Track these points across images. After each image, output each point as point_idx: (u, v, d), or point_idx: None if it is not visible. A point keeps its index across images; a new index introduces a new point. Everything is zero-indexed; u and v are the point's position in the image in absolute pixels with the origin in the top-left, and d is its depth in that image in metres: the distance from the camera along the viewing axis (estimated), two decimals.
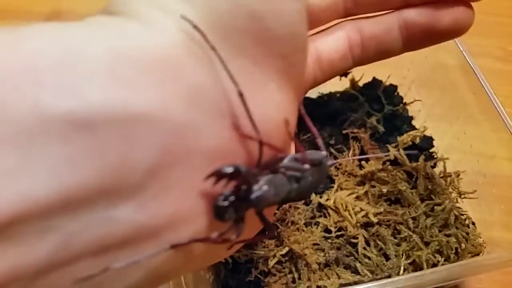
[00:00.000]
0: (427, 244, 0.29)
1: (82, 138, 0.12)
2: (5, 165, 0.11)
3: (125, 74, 0.13)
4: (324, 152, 0.18)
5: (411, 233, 0.29)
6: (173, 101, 0.14)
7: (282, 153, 0.16)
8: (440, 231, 0.29)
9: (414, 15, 0.22)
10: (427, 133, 0.35)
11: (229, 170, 0.14)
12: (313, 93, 0.38)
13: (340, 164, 0.33)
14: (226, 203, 0.14)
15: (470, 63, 0.31)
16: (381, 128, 0.35)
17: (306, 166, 0.16)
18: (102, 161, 0.12)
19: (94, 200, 0.12)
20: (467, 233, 0.30)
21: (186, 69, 0.14)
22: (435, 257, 0.28)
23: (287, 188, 0.16)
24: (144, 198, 0.13)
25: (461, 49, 0.32)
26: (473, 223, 0.31)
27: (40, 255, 0.12)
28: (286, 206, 0.30)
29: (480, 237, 0.30)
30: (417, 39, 0.22)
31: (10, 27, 0.13)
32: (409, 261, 0.28)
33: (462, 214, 0.31)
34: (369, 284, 0.22)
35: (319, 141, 0.18)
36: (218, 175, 0.14)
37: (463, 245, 0.29)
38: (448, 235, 0.29)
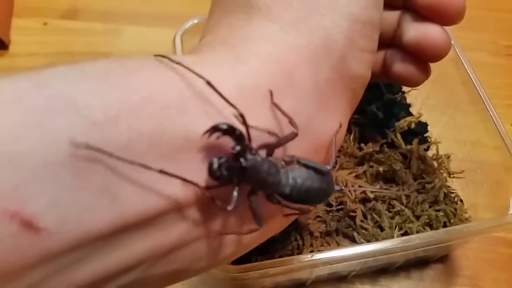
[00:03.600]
0: (418, 217, 0.32)
1: None
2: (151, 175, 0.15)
3: (244, 104, 0.17)
4: (328, 166, 0.19)
5: (403, 208, 0.32)
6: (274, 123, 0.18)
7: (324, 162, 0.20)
8: (430, 207, 0.33)
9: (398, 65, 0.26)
10: (422, 119, 0.38)
11: (223, 126, 0.16)
12: None
13: (342, 146, 0.36)
14: (220, 161, 0.16)
15: (460, 56, 0.34)
16: (380, 115, 0.38)
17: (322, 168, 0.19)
18: None
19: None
20: (455, 209, 0.33)
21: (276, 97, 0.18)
22: (424, 229, 0.31)
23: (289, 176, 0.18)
24: None
25: (452, 42, 0.35)
26: (461, 200, 0.34)
27: (173, 238, 0.16)
28: None
29: (467, 213, 0.33)
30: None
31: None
32: (401, 232, 0.32)
33: (452, 192, 0.34)
34: (365, 246, 0.26)
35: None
36: (214, 128, 0.16)
37: (451, 220, 0.32)
38: (438, 210, 0.32)
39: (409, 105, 0.40)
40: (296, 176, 0.18)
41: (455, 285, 0.34)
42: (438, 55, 0.24)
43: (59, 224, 0.14)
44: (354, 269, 0.33)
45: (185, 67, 0.17)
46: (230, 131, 0.16)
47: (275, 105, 0.18)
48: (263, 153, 0.18)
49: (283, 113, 0.18)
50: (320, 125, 0.20)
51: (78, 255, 0.14)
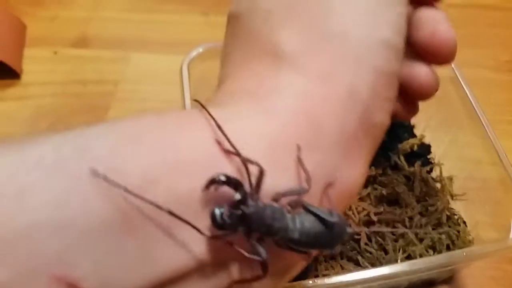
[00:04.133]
0: (421, 240, 0.33)
1: None
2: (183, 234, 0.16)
3: (274, 158, 0.18)
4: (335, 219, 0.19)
5: (407, 231, 0.33)
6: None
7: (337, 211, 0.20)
8: (433, 229, 0.33)
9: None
10: (426, 141, 0.39)
11: (221, 177, 0.16)
12: None
13: None
14: (221, 209, 0.16)
15: (457, 73, 0.34)
16: (384, 137, 0.38)
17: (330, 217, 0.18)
18: None
19: None
20: (458, 231, 0.34)
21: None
22: (428, 252, 0.32)
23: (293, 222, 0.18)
24: None
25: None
26: (464, 222, 0.35)
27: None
28: None
29: (470, 235, 0.34)
30: None
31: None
32: (405, 255, 0.32)
33: (455, 214, 0.35)
34: (369, 271, 0.26)
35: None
36: (212, 181, 0.16)
37: (454, 242, 0.33)
38: (441, 233, 0.33)
39: (413, 126, 0.40)
40: (304, 220, 0.18)
41: None
42: (425, 95, 0.24)
43: (102, 285, 0.15)
44: None
45: (216, 123, 0.17)
46: (228, 181, 0.16)
47: (299, 160, 0.18)
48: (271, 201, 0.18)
49: (304, 170, 0.18)
50: (345, 175, 0.20)
51: None
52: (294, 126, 0.19)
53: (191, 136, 0.18)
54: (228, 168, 0.17)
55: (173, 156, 0.17)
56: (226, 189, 0.17)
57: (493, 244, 0.28)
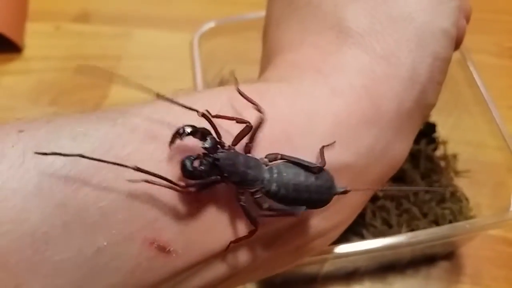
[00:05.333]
0: (425, 215, 0.33)
1: None
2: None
3: (339, 135, 0.19)
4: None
5: (411, 206, 0.33)
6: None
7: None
8: (437, 205, 0.34)
9: None
10: (431, 120, 0.39)
11: (188, 129, 0.16)
12: None
13: None
14: (191, 159, 0.16)
15: (466, 58, 0.35)
16: None
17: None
18: None
19: None
20: (461, 207, 0.34)
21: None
22: (431, 226, 0.32)
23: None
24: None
25: None
26: (466, 199, 0.35)
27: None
28: None
29: (471, 211, 0.34)
30: None
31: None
32: (408, 229, 0.32)
33: (458, 191, 0.35)
34: (374, 241, 0.27)
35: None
36: (177, 133, 0.16)
37: (457, 217, 0.33)
38: (444, 208, 0.33)
39: None
40: (282, 171, 0.18)
41: (456, 282, 0.35)
42: None
43: (185, 247, 0.17)
44: (362, 264, 0.33)
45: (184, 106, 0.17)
46: (194, 131, 0.16)
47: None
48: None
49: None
50: (395, 150, 0.21)
51: (194, 270, 0.18)
52: (358, 104, 0.20)
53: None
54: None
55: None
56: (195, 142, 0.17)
57: (495, 216, 0.28)
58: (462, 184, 0.36)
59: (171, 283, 0.17)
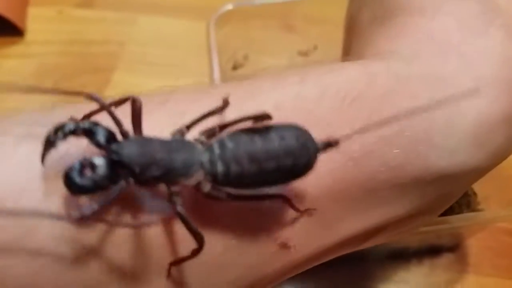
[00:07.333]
0: None
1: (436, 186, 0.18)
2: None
3: (480, 138, 0.17)
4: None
5: None
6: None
7: None
8: None
9: None
10: None
11: (70, 126, 0.12)
12: None
13: None
14: (76, 167, 0.12)
15: None
16: None
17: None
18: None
19: None
20: (469, 201, 0.34)
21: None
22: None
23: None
24: None
25: None
26: (475, 193, 0.35)
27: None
28: None
29: (479, 205, 0.34)
30: None
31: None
32: None
33: None
34: None
35: None
36: (50, 143, 0.12)
37: (464, 211, 0.33)
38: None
39: None
40: (226, 143, 0.13)
41: (460, 272, 0.35)
42: None
43: (303, 242, 0.17)
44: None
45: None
46: (76, 130, 0.12)
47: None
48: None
49: None
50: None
51: (308, 264, 0.18)
52: (498, 102, 0.18)
53: None
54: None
55: None
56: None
57: (501, 210, 0.29)
58: None
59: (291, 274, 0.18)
